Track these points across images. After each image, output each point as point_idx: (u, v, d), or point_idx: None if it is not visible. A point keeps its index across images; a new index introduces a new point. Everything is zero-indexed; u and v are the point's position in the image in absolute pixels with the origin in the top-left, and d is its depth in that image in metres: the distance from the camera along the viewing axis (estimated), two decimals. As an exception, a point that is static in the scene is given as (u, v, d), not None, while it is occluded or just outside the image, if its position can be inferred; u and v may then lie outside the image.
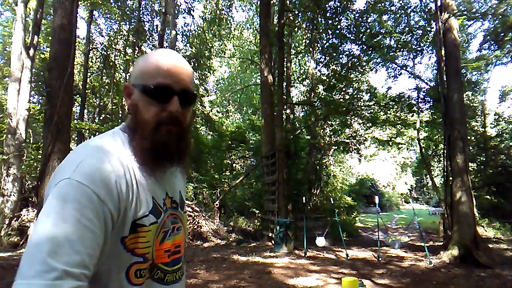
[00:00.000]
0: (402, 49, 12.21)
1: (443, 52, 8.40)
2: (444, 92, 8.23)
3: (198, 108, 17.15)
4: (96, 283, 0.67)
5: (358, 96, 13.82)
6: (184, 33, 17.69)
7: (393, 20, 12.97)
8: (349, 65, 12.68)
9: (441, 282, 5.40)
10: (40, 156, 8.09)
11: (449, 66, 8.22)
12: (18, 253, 6.72)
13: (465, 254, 6.85)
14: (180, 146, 0.81)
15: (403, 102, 12.87)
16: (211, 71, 19.69)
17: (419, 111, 12.94)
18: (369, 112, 13.56)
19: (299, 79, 17.70)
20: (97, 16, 16.66)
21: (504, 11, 10.87)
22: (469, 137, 12.36)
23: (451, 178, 7.84)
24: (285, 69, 13.17)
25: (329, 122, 14.50)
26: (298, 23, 13.78)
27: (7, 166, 8.47)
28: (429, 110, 13.06)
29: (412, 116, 13.41)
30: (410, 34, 11.81)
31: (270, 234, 9.28)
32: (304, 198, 9.81)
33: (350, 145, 14.91)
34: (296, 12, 12.84)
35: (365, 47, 11.85)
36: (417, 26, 12.01)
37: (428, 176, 18.08)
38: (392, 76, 14.03)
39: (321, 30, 12.50)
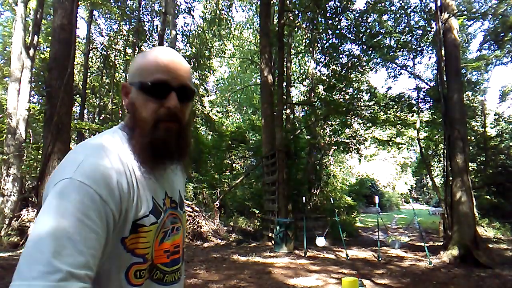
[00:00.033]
0: (402, 49, 12.21)
1: (443, 52, 8.40)
2: (444, 92, 8.23)
3: (198, 108, 17.15)
4: (96, 284, 0.66)
5: (358, 96, 13.82)
6: (184, 33, 17.70)
7: (393, 20, 12.97)
8: (349, 65, 12.67)
9: (441, 282, 5.40)
10: (40, 156, 8.10)
11: (449, 66, 8.22)
12: (18, 253, 6.72)
13: (465, 254, 6.85)
14: (180, 144, 0.80)
15: (403, 102, 12.87)
16: (211, 71, 19.70)
17: (419, 111, 12.94)
18: (369, 112, 13.56)
19: (299, 79, 17.70)
20: (97, 16, 16.68)
21: (504, 11, 10.87)
22: (469, 137, 12.36)
23: (451, 178, 7.84)
24: (285, 69, 13.18)
25: (329, 122, 14.50)
26: (298, 23, 13.78)
27: (7, 166, 8.46)
28: (429, 110, 13.06)
29: (412, 116, 13.41)
30: (410, 34, 11.81)
31: (270, 234, 9.28)
32: (304, 198, 9.81)
33: (350, 145, 14.91)
34: (296, 12, 12.84)
35: (365, 47, 11.85)
36: (417, 26, 12.01)
37: (428, 176, 18.09)
38: (392, 76, 14.04)
39: (321, 30, 12.50)
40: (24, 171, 8.66)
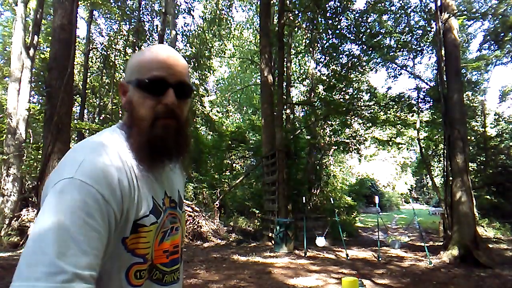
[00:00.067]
0: (402, 49, 12.20)
1: (443, 52, 8.40)
2: (444, 92, 8.23)
3: (198, 108, 17.16)
4: (96, 284, 0.66)
5: (358, 96, 13.82)
6: (184, 33, 17.71)
7: (393, 20, 12.97)
8: (349, 65, 12.67)
9: (441, 282, 5.40)
10: (40, 156, 8.10)
11: (449, 66, 8.22)
12: (18, 253, 6.72)
13: (465, 254, 6.85)
14: (178, 141, 0.79)
15: (403, 102, 12.87)
16: (211, 71, 19.70)
17: (419, 111, 12.94)
18: (369, 112, 13.56)
19: (299, 79, 17.70)
20: (97, 16, 16.69)
21: (504, 11, 10.87)
22: (469, 137, 12.36)
23: (451, 178, 7.83)
24: (285, 69, 13.18)
25: (329, 122, 14.50)
26: (298, 23, 13.78)
27: (7, 166, 8.47)
28: (429, 110, 13.06)
29: (412, 116, 13.41)
30: (410, 34, 11.81)
31: (270, 234, 9.28)
32: (304, 198, 9.80)
33: (350, 145, 14.91)
34: (296, 12, 12.84)
35: (365, 47, 11.85)
36: (417, 26, 12.01)
37: (428, 176, 18.09)
38: (392, 76, 14.03)
39: (321, 30, 12.50)
40: (24, 171, 8.66)
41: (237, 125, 18.98)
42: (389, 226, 17.77)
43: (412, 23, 12.34)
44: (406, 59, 13.34)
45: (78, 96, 15.04)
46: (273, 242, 8.63)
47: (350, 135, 14.95)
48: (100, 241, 0.61)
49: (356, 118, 14.00)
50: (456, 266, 6.62)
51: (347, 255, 7.55)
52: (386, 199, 34.21)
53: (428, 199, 41.16)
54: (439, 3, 8.44)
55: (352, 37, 11.93)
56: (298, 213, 10.35)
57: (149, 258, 0.75)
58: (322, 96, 13.47)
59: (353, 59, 12.64)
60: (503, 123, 17.33)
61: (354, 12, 11.92)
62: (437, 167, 18.01)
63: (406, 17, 12.46)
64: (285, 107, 12.36)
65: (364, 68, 13.90)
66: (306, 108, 15.73)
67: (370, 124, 14.16)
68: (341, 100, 13.21)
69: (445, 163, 8.34)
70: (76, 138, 14.97)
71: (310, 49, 14.92)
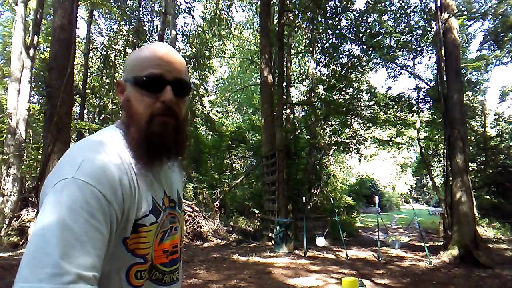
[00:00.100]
0: (402, 49, 12.20)
1: (443, 52, 8.40)
2: (444, 92, 8.23)
3: (198, 108, 17.16)
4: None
5: (358, 96, 13.81)
6: (184, 33, 17.71)
7: (393, 20, 12.96)
8: (349, 65, 12.67)
9: (441, 282, 5.40)
10: (40, 156, 8.10)
11: (449, 66, 8.22)
12: (18, 253, 6.72)
13: (465, 254, 6.85)
14: (177, 139, 0.79)
15: (403, 102, 12.87)
16: (211, 71, 19.70)
17: (419, 111, 12.94)
18: (369, 112, 13.56)
19: (299, 79, 17.70)
20: (97, 16, 16.68)
21: (504, 11, 10.87)
22: (469, 137, 12.36)
23: (451, 178, 7.83)
24: (285, 69, 13.18)
25: (329, 122, 14.50)
26: (298, 23, 13.79)
27: (7, 166, 8.47)
28: (429, 110, 13.06)
29: (412, 116, 13.41)
30: (410, 34, 11.80)
31: (270, 234, 9.28)
32: (304, 198, 9.80)
33: (350, 145, 14.91)
34: (296, 12, 12.84)
35: (365, 47, 11.84)
36: (417, 26, 12.00)
37: (428, 176, 18.09)
38: (392, 76, 14.03)
39: (321, 30, 12.50)
40: (24, 171, 8.66)
41: (237, 125, 18.99)
42: (389, 226, 17.76)
43: (412, 23, 12.35)
44: (406, 59, 13.35)
45: (78, 96, 15.04)
46: (273, 242, 8.63)
47: (350, 135, 14.94)
48: (103, 242, 0.61)
49: (356, 118, 14.00)
50: (456, 266, 6.62)
51: (347, 255, 7.55)
52: (386, 199, 34.20)
53: (428, 199, 41.16)
54: (439, 3, 8.44)
55: (352, 37, 11.93)
56: (298, 213, 10.35)
57: (149, 258, 0.75)
58: (322, 96, 13.47)
59: (353, 59, 12.64)
60: (503, 123, 17.33)
61: (354, 12, 11.93)
62: (437, 167, 18.01)
63: (406, 17, 12.46)
64: (285, 107, 12.36)
65: (364, 68, 13.90)
66: (306, 108, 15.73)
67: (370, 124, 14.16)
68: (341, 100, 13.21)
69: (445, 163, 8.34)
70: (76, 138, 14.96)
71: (310, 49, 14.92)
